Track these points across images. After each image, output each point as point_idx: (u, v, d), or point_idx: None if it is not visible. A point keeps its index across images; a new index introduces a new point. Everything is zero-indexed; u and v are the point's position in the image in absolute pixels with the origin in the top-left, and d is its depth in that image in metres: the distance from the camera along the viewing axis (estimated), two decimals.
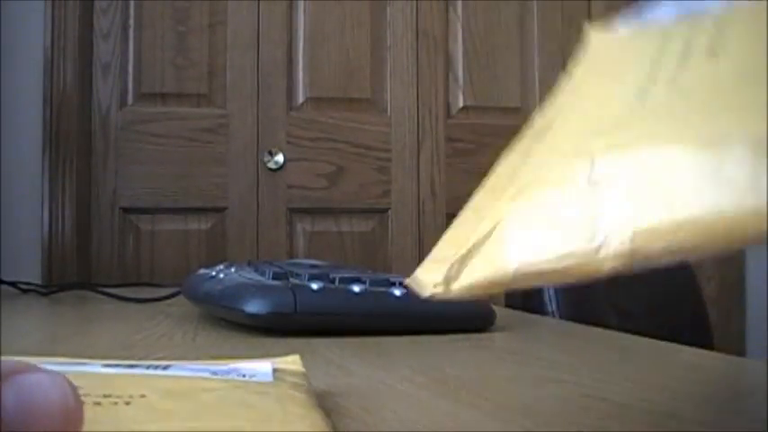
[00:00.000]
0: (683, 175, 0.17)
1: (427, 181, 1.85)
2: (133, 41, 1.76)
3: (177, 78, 1.77)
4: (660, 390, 0.34)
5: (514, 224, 0.19)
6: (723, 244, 0.16)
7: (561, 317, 1.00)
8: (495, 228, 0.20)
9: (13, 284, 1.00)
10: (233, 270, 0.63)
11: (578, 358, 0.44)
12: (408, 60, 1.86)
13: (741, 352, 1.93)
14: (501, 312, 0.66)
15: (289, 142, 1.80)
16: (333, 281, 0.56)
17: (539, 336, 0.57)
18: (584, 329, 0.60)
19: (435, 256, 0.23)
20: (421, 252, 1.83)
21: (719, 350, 0.52)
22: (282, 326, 0.53)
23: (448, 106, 1.88)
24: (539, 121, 0.25)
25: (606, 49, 0.26)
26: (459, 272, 0.22)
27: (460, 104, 1.88)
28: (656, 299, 1.21)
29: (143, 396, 0.22)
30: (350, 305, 0.55)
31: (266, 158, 1.78)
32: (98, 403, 0.21)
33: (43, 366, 0.17)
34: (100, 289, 0.91)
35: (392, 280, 0.58)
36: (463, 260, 0.20)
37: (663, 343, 0.50)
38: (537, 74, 1.91)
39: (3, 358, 0.16)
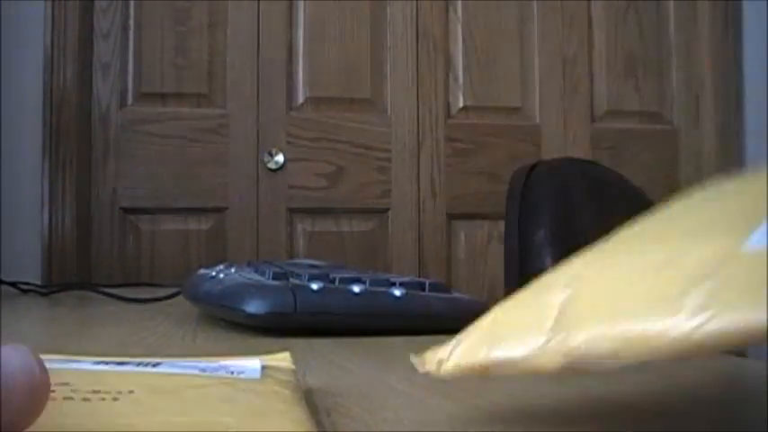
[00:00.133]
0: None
1: (427, 181, 1.85)
2: (133, 41, 1.76)
3: (177, 78, 1.77)
4: (660, 389, 0.34)
5: (498, 322, 0.23)
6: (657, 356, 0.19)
7: None
8: (488, 321, 0.24)
9: (13, 284, 1.00)
10: (233, 270, 0.63)
11: None
12: (408, 60, 1.86)
13: (741, 352, 1.92)
14: None
15: (289, 142, 1.80)
16: (333, 281, 0.56)
17: None
18: None
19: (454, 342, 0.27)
20: (421, 252, 1.83)
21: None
22: (282, 326, 0.53)
23: (448, 106, 1.88)
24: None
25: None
26: (451, 354, 0.26)
27: (460, 104, 1.88)
28: None
29: (131, 392, 0.23)
30: (350, 305, 0.55)
31: (266, 158, 1.78)
32: (86, 399, 0.22)
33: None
34: (100, 289, 0.91)
35: (392, 280, 0.58)
36: (457, 344, 0.24)
37: None
38: (537, 74, 1.91)
39: None
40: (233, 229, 1.77)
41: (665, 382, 0.36)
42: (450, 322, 0.57)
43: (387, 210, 1.83)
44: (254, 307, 0.53)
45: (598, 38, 1.95)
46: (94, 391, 0.22)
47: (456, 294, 0.61)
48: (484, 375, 0.24)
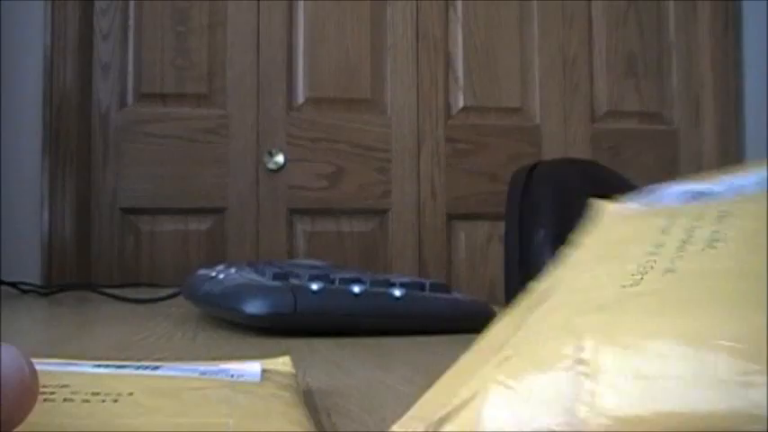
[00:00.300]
0: (669, 369, 0.18)
1: (427, 181, 1.85)
2: (133, 41, 1.76)
3: (177, 78, 1.77)
4: None
5: (494, 397, 0.19)
6: None
7: None
8: (474, 396, 0.20)
9: (13, 285, 1.00)
10: (233, 270, 0.63)
11: None
12: (408, 60, 1.86)
13: None
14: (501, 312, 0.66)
15: (289, 142, 1.80)
16: (333, 281, 0.56)
17: None
18: None
19: (415, 414, 0.23)
20: (421, 252, 1.83)
21: None
22: (282, 326, 0.53)
23: (448, 106, 1.88)
24: (537, 288, 0.26)
25: (613, 224, 0.28)
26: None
27: (460, 105, 1.88)
28: None
29: (131, 394, 0.23)
30: (350, 305, 0.55)
31: (266, 159, 1.78)
32: (86, 401, 0.22)
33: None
34: (100, 289, 0.91)
35: (392, 280, 0.58)
36: (440, 423, 0.20)
37: None
38: (537, 74, 1.91)
39: None
40: (233, 229, 1.77)
41: None
42: (451, 322, 0.57)
43: (387, 210, 1.83)
44: (253, 307, 0.53)
45: (598, 38, 1.95)
46: (94, 393, 0.23)
47: (456, 295, 0.61)
48: None
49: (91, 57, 1.75)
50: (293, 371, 0.30)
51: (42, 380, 0.19)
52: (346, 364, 0.41)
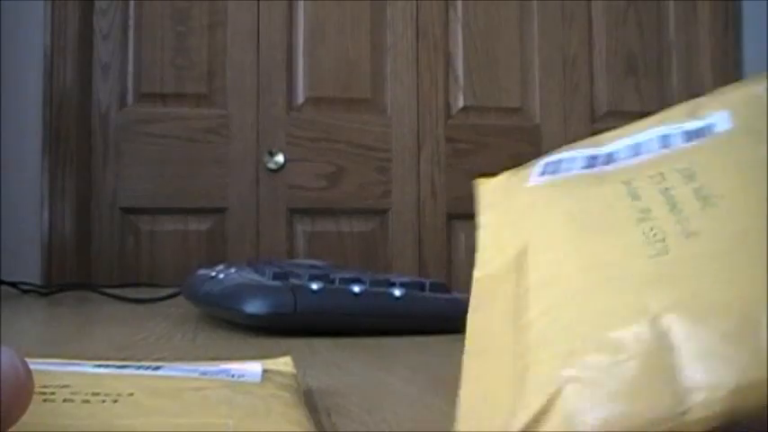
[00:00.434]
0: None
1: (427, 181, 1.85)
2: (133, 41, 1.76)
3: (177, 78, 1.77)
4: None
5: (575, 395, 0.18)
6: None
7: None
8: (553, 400, 0.19)
9: (13, 285, 1.00)
10: (233, 270, 0.63)
11: None
12: (408, 60, 1.86)
13: None
14: None
15: (289, 142, 1.80)
16: (333, 281, 0.56)
17: None
18: None
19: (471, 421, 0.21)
20: (421, 252, 1.83)
21: None
22: (282, 326, 0.53)
23: (448, 106, 1.88)
24: (492, 280, 0.25)
25: (539, 200, 0.27)
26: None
27: (460, 105, 1.88)
28: None
29: (131, 394, 0.23)
30: (350, 305, 0.55)
31: (266, 158, 1.78)
32: (86, 401, 0.22)
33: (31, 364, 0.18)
34: (100, 289, 0.92)
35: (392, 280, 0.58)
36: None
37: None
38: (537, 74, 1.91)
39: None
40: (233, 229, 1.77)
41: None
42: (450, 322, 0.57)
43: (387, 210, 1.83)
44: (254, 307, 0.53)
45: (598, 38, 1.95)
46: (94, 394, 0.23)
47: (456, 294, 0.61)
48: None
49: (91, 57, 1.75)
50: (294, 371, 0.30)
51: (42, 380, 0.19)
52: (346, 364, 0.41)
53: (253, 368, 0.29)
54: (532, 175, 0.29)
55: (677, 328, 0.19)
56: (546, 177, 0.28)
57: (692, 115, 0.29)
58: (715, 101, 0.30)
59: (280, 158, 1.78)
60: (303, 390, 0.31)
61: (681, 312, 0.19)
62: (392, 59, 1.85)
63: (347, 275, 0.57)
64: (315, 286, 0.55)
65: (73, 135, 1.71)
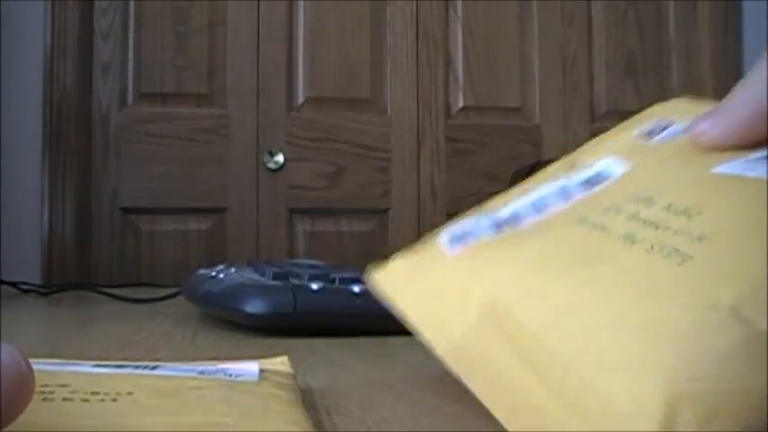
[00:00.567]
0: None
1: (427, 181, 1.85)
2: (133, 41, 1.76)
3: (177, 78, 1.77)
4: None
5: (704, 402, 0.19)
6: None
7: None
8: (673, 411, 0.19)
9: (13, 284, 1.00)
10: (233, 270, 0.63)
11: None
12: (408, 60, 1.86)
13: None
14: None
15: (289, 142, 1.80)
16: (333, 281, 0.56)
17: None
18: None
19: None
20: None
21: None
22: (282, 326, 0.53)
23: (448, 106, 1.88)
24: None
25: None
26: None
27: (460, 104, 1.88)
28: None
29: (130, 393, 0.23)
30: (350, 305, 0.55)
31: (266, 158, 1.78)
32: (86, 400, 0.22)
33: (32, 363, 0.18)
34: (100, 289, 0.92)
35: None
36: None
37: None
38: (537, 74, 1.91)
39: None
40: (233, 229, 1.77)
41: None
42: None
43: (387, 210, 1.83)
44: (253, 307, 0.53)
45: (598, 38, 1.95)
46: (93, 393, 0.23)
47: None
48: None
49: (91, 57, 1.75)
50: (291, 371, 0.30)
51: (42, 379, 0.19)
52: (346, 364, 0.41)
53: (250, 368, 0.29)
54: (445, 249, 0.30)
55: (758, 314, 0.20)
56: (463, 248, 0.29)
57: (574, 168, 0.32)
58: (592, 152, 0.33)
59: (280, 158, 1.78)
60: (303, 389, 0.31)
61: (753, 299, 0.20)
62: (392, 59, 1.85)
63: (347, 275, 0.57)
64: (315, 286, 0.54)
65: (73, 135, 1.71)
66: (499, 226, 0.30)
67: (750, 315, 0.20)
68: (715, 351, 0.19)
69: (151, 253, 1.73)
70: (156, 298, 0.82)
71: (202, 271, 0.68)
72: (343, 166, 1.82)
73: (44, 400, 0.22)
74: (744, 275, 0.21)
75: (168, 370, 0.27)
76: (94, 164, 1.74)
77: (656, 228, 0.24)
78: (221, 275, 0.61)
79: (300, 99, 1.82)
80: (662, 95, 1.96)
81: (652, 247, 0.23)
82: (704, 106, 0.31)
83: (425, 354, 0.46)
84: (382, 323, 0.55)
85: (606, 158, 0.31)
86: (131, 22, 1.76)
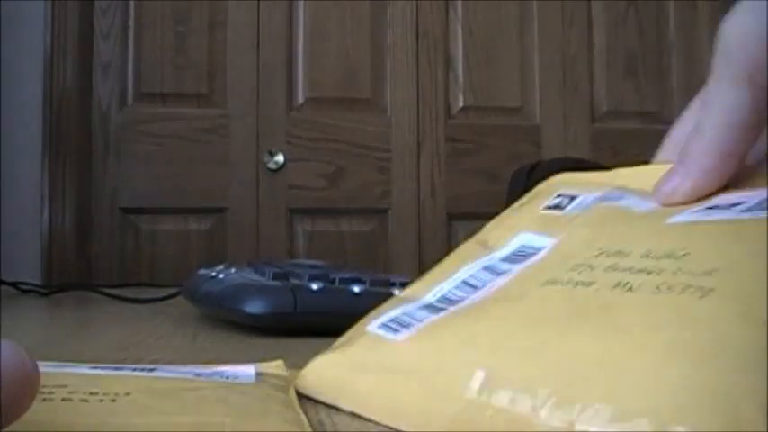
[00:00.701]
0: None
1: (427, 181, 1.85)
2: (133, 41, 1.76)
3: (177, 78, 1.77)
4: None
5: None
6: None
7: None
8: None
9: (13, 284, 1.00)
10: (233, 270, 0.63)
11: None
12: (408, 60, 1.86)
13: None
14: None
15: (289, 142, 1.80)
16: (333, 281, 0.56)
17: None
18: None
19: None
20: (421, 252, 1.83)
21: None
22: (282, 326, 0.53)
23: (448, 106, 1.88)
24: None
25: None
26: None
27: (460, 104, 1.88)
28: None
29: (128, 394, 0.23)
30: (350, 305, 0.54)
31: (266, 158, 1.78)
32: (84, 400, 0.22)
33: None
34: (100, 289, 0.91)
35: (392, 280, 0.58)
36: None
37: None
38: (537, 74, 1.91)
39: None
40: (233, 229, 1.77)
41: None
42: None
43: (387, 210, 1.83)
44: (253, 307, 0.53)
45: (598, 38, 1.95)
46: (92, 393, 0.23)
47: None
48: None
49: (91, 57, 1.75)
50: (286, 374, 0.31)
51: (41, 380, 0.19)
52: None
53: (246, 370, 0.29)
54: (388, 337, 0.29)
55: None
56: (409, 333, 0.28)
57: (487, 249, 0.32)
58: (500, 231, 0.33)
59: (280, 158, 1.78)
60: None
61: None
62: (392, 59, 1.85)
63: (347, 275, 0.57)
64: (315, 286, 0.54)
65: (73, 135, 1.71)
66: (435, 308, 0.28)
67: None
68: None
69: (151, 253, 1.73)
70: (156, 298, 0.82)
71: (202, 271, 0.68)
72: (343, 166, 1.82)
73: (44, 400, 0.22)
74: None
75: (165, 372, 0.27)
76: (94, 164, 1.74)
77: (649, 273, 0.23)
78: (221, 275, 0.61)
79: (300, 99, 1.82)
80: (662, 95, 1.96)
81: (658, 288, 0.22)
82: (593, 176, 0.33)
83: None
84: None
85: (521, 234, 0.31)
86: (131, 22, 1.76)
